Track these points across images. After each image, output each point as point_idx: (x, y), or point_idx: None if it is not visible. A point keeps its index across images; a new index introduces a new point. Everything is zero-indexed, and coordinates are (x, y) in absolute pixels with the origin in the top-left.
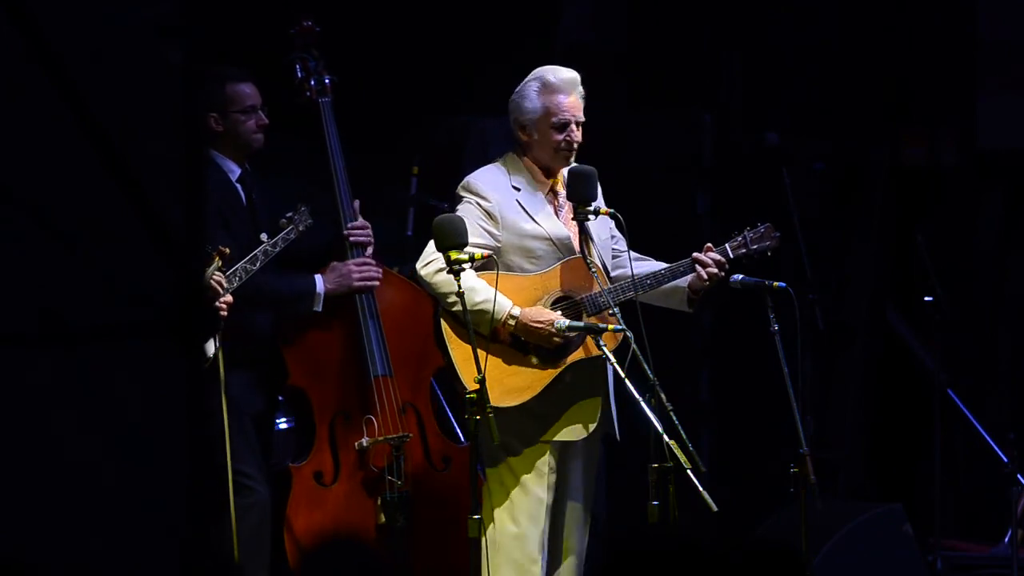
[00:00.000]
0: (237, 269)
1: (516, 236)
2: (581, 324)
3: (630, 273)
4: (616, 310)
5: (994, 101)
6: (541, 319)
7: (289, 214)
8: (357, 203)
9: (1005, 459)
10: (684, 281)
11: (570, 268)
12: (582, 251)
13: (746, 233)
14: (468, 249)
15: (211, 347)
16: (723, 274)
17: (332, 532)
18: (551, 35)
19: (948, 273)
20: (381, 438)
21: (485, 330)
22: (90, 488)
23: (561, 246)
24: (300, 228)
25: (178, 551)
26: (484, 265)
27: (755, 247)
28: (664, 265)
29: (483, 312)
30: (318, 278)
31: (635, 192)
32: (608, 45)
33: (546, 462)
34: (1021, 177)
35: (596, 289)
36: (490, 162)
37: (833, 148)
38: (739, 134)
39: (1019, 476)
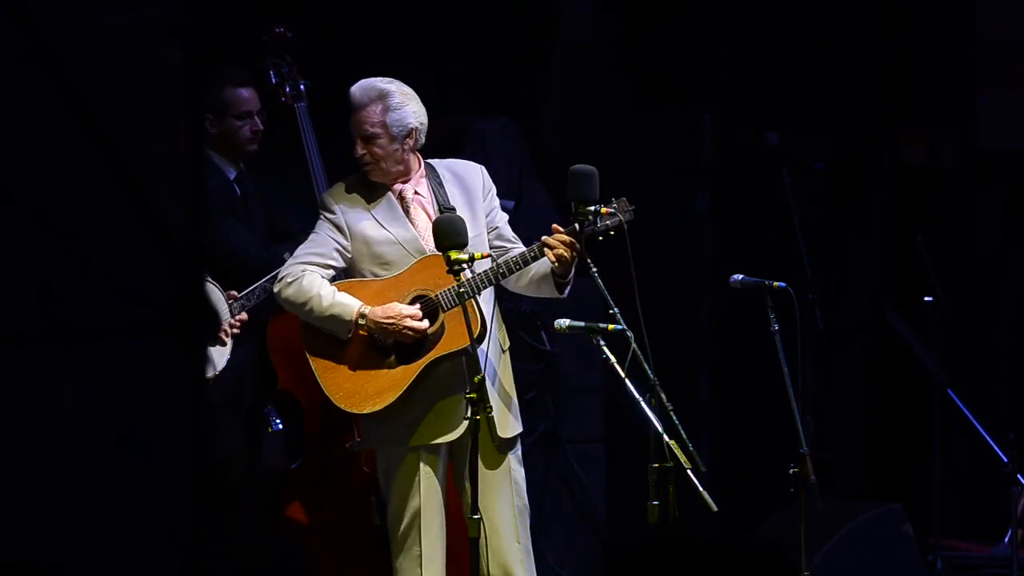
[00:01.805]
0: (242, 298)
1: (364, 244)
2: (581, 324)
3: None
4: (616, 309)
5: (994, 101)
6: (391, 314)
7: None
8: None
9: (1005, 459)
10: (548, 267)
11: (425, 266)
12: (581, 248)
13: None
14: (468, 249)
15: (220, 362)
16: (574, 254)
17: (328, 534)
18: (551, 35)
19: (948, 273)
20: None
21: (342, 335)
22: (90, 488)
23: (411, 248)
24: None
25: (178, 551)
26: (360, 271)
27: (607, 222)
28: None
29: (333, 317)
30: None
31: (635, 192)
32: (608, 45)
33: (414, 468)
34: (1021, 177)
35: (453, 283)
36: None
37: (833, 148)
38: (739, 134)
39: (1019, 476)
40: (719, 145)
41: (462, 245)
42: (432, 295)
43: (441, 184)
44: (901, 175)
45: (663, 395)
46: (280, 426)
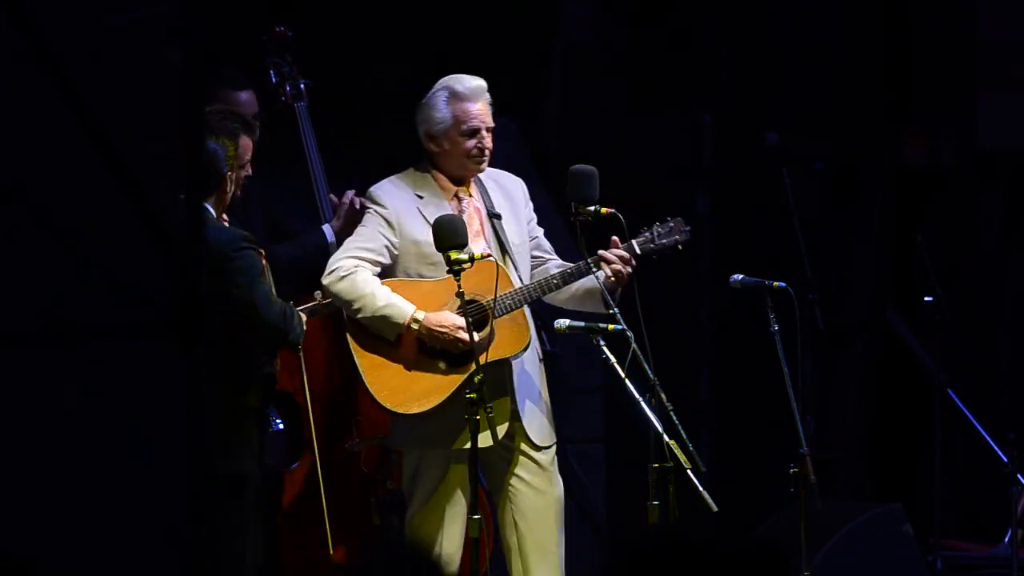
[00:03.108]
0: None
1: (413, 243)
2: (581, 324)
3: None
4: (615, 310)
5: (994, 101)
6: (445, 324)
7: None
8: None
9: (1005, 459)
10: (596, 281)
11: (477, 271)
12: (580, 249)
13: (655, 228)
14: (468, 249)
15: None
16: (630, 270)
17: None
18: (551, 35)
19: (948, 273)
20: (371, 438)
21: (390, 336)
22: (90, 488)
23: None
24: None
25: (178, 551)
26: (404, 271)
27: (663, 242)
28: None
29: (386, 318)
30: (326, 228)
31: (635, 192)
32: (608, 45)
33: (449, 470)
34: (1021, 177)
35: (505, 291)
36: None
37: (833, 148)
38: (739, 134)
39: (1019, 476)
40: (719, 145)
41: (462, 245)
42: (484, 300)
43: (486, 190)
44: (901, 175)
45: (663, 395)
46: (280, 426)
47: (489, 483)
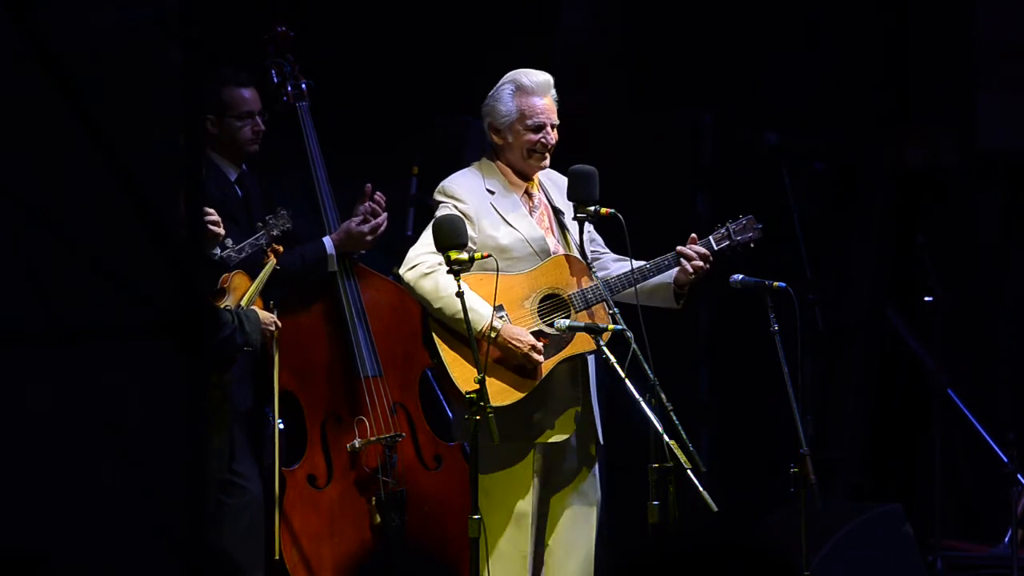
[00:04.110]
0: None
1: (491, 239)
2: (582, 324)
3: (612, 274)
4: (615, 310)
5: (994, 101)
6: (521, 340)
7: (269, 217)
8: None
9: (1005, 459)
10: (669, 277)
11: (556, 265)
12: (582, 249)
13: (728, 225)
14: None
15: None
16: (708, 267)
17: (329, 534)
18: (551, 35)
19: (948, 273)
20: (373, 439)
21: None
22: (90, 487)
23: (537, 246)
24: (274, 232)
25: (176, 551)
26: (482, 266)
27: (739, 239)
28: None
29: (464, 321)
30: (327, 240)
31: (635, 192)
32: (608, 45)
33: (530, 465)
34: (1021, 177)
35: (584, 286)
36: None
37: (833, 148)
38: (739, 134)
39: (1019, 476)
40: (719, 145)
41: (462, 245)
42: (564, 295)
43: (546, 188)
44: (901, 175)
45: (663, 395)
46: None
47: (552, 468)
